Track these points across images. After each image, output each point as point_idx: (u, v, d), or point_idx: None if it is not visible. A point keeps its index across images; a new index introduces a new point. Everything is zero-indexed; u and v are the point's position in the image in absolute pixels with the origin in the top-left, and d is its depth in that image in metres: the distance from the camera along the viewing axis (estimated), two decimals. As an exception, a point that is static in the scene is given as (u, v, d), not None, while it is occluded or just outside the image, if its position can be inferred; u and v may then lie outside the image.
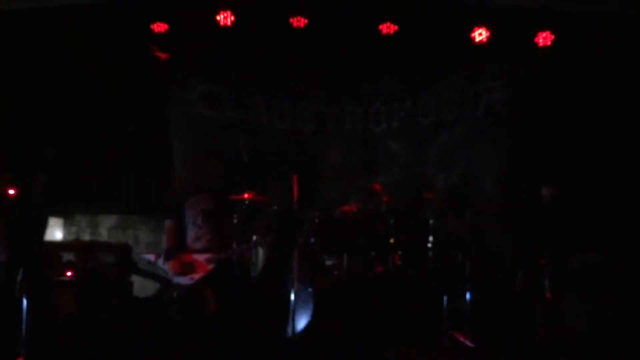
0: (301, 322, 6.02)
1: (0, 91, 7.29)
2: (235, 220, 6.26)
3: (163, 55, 7.60)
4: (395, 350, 5.83)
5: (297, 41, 7.47)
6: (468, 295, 6.73)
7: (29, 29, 7.36)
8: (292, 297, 5.55)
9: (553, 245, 5.97)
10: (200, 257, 5.56)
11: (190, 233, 5.64)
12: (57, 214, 7.30)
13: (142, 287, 7.05)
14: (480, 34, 7.35)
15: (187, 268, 5.47)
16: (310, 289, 6.14)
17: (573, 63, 7.31)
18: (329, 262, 6.64)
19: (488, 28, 7.31)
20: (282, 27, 7.34)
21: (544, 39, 7.33)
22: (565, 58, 7.31)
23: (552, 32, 7.30)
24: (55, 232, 7.36)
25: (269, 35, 7.54)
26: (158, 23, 7.35)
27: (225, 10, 7.28)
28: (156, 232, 8.21)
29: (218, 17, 7.30)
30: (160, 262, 5.58)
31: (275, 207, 6.69)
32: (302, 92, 8.03)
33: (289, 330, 5.60)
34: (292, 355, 5.53)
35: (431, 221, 6.82)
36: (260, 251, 6.71)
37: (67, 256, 6.52)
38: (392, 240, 6.73)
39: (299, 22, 7.30)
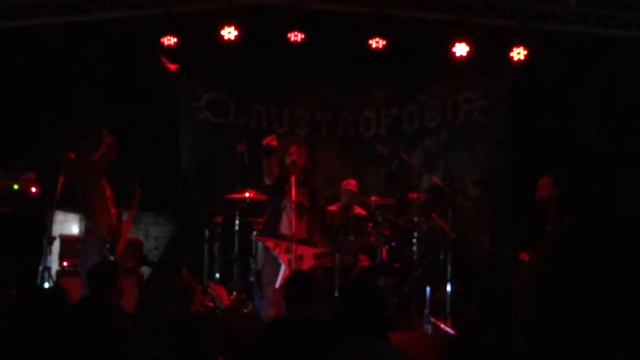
0: None
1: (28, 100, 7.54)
2: None
3: (172, 66, 7.78)
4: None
5: (295, 54, 7.65)
6: (449, 286, 7.04)
7: (47, 42, 7.64)
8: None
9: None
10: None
11: None
12: (75, 210, 7.45)
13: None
14: (460, 49, 7.53)
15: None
16: None
17: (544, 74, 7.55)
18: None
19: (467, 43, 7.49)
20: (281, 41, 7.54)
21: (518, 54, 7.52)
22: (536, 70, 7.54)
23: (525, 48, 7.48)
24: (73, 227, 7.53)
25: (269, 48, 7.75)
26: (168, 37, 7.52)
27: (229, 25, 7.49)
28: (164, 227, 8.45)
29: (222, 32, 7.52)
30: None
31: None
32: (299, 100, 8.22)
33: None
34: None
35: (415, 219, 7.09)
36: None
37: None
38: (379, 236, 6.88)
39: (296, 36, 7.50)
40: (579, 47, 7.58)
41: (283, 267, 6.03)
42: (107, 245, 5.90)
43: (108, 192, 6.14)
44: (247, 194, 7.03)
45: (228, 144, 7.52)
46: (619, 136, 7.50)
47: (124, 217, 6.26)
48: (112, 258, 5.86)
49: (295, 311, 4.05)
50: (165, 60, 7.71)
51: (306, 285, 4.12)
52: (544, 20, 7.60)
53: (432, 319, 6.79)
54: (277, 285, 6.00)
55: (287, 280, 4.32)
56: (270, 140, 6.03)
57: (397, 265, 7.02)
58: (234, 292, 6.91)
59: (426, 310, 6.83)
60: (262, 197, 6.82)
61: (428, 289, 6.94)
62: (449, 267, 7.04)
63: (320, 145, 8.22)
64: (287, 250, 6.01)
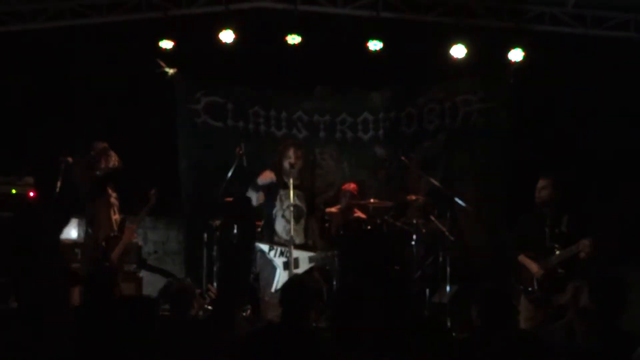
0: None
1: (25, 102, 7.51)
2: None
3: (170, 70, 7.77)
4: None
5: (292, 57, 7.65)
6: (448, 288, 7.01)
7: (46, 47, 7.65)
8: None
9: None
10: None
11: None
12: (73, 214, 7.43)
13: (149, 281, 7.26)
14: (458, 51, 7.56)
15: None
16: None
17: (542, 76, 7.52)
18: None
19: (465, 45, 7.52)
20: (279, 44, 7.54)
21: (514, 55, 7.55)
22: (534, 72, 7.52)
23: (522, 49, 7.51)
24: (71, 231, 7.50)
25: (267, 51, 7.73)
26: (165, 41, 7.56)
27: (226, 29, 7.50)
28: (163, 232, 8.43)
29: (220, 35, 7.52)
30: None
31: None
32: (297, 103, 8.19)
33: None
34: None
35: (414, 221, 7.04)
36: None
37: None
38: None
39: (293, 39, 7.50)
40: (576, 49, 7.57)
41: (279, 271, 6.02)
42: (101, 251, 5.89)
43: (113, 199, 6.11)
44: (245, 198, 6.99)
45: (227, 147, 7.51)
46: (618, 138, 7.49)
47: (129, 222, 6.24)
48: (106, 264, 5.83)
49: (292, 319, 3.73)
50: (163, 64, 7.70)
51: (303, 292, 3.78)
52: (542, 22, 7.63)
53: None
54: (273, 289, 5.99)
55: (284, 287, 4.04)
56: (272, 178, 6.09)
57: (396, 267, 6.99)
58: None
59: (426, 313, 6.81)
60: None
61: (427, 291, 6.92)
62: (448, 269, 7.00)
63: (318, 148, 8.18)
64: (282, 254, 5.99)
